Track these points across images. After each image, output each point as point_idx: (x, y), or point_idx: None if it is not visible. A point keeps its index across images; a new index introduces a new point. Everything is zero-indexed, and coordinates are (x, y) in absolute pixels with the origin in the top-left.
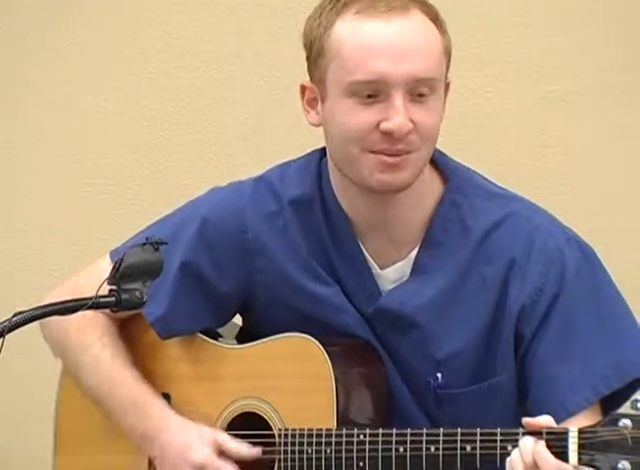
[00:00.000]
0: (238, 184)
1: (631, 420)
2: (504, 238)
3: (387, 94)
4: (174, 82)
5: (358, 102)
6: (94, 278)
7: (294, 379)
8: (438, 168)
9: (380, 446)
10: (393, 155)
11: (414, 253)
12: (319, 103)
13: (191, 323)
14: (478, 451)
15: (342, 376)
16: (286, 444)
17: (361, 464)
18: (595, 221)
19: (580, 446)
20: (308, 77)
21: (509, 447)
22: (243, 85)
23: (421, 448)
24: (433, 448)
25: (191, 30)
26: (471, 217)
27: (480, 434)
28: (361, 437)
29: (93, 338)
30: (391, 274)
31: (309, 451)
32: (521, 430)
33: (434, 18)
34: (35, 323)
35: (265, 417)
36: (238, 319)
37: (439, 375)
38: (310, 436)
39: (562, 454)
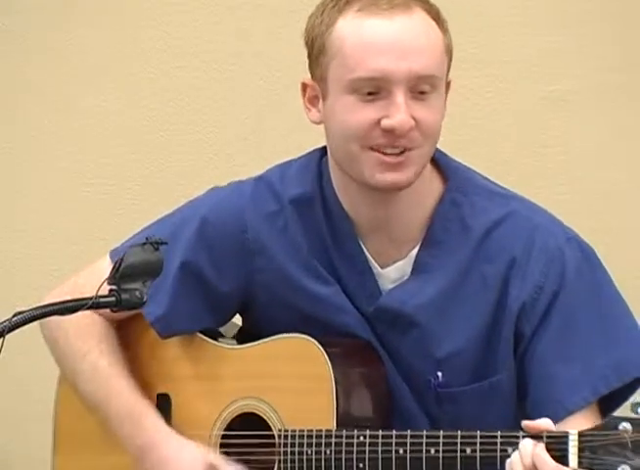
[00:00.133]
0: (238, 184)
1: (631, 424)
2: (504, 237)
3: (388, 91)
4: (174, 82)
5: (359, 99)
6: (94, 278)
7: (293, 380)
8: (439, 168)
9: (380, 448)
10: (394, 154)
11: (414, 252)
12: (320, 101)
13: (191, 323)
14: (478, 454)
15: (343, 377)
16: (285, 444)
17: (361, 465)
18: (595, 221)
19: (580, 450)
20: (309, 75)
21: (509, 450)
22: (243, 85)
23: (421, 450)
24: (433, 451)
25: (191, 30)
26: (471, 216)
27: (481, 436)
28: (361, 438)
29: (91, 344)
30: (392, 273)
31: (309, 452)
32: (521, 433)
33: (436, 16)
34: (35, 323)
35: (265, 418)
36: (237, 319)
37: (440, 374)
38: (310, 437)
39: (562, 458)
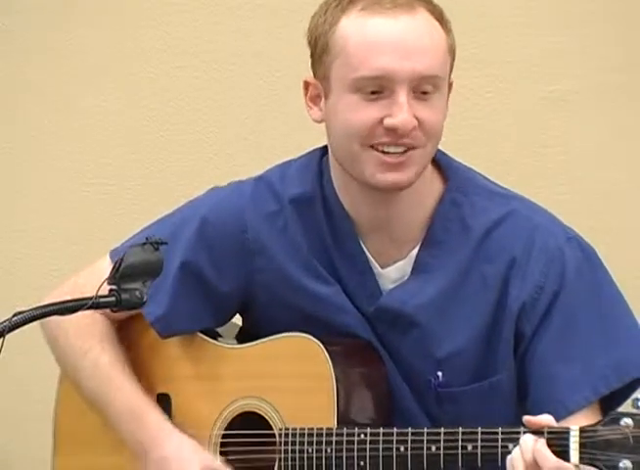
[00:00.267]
0: (238, 184)
1: (633, 419)
2: (504, 237)
3: (391, 90)
4: (174, 82)
5: (362, 98)
6: (94, 278)
7: (294, 379)
8: (440, 168)
9: (380, 446)
10: (396, 154)
11: (415, 252)
12: (322, 99)
13: (191, 323)
14: (479, 450)
15: (343, 376)
16: (286, 443)
17: (362, 463)
18: (595, 221)
19: (582, 445)
20: (312, 74)
21: (510, 446)
22: (243, 85)
23: (422, 448)
24: (434, 448)
25: (191, 30)
26: (471, 216)
27: (482, 433)
28: (362, 436)
29: (92, 342)
30: (392, 273)
31: (310, 451)
32: (522, 429)
33: (439, 16)
34: (35, 323)
35: (266, 417)
36: (238, 319)
37: (440, 374)
38: (311, 435)
39: (563, 453)
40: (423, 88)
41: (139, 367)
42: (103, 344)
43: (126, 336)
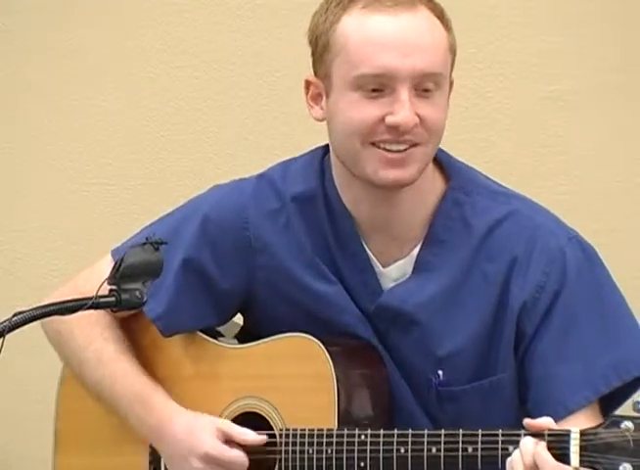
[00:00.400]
0: (239, 181)
1: (633, 422)
2: (506, 236)
3: (392, 88)
4: (174, 82)
5: (364, 96)
6: (94, 278)
7: (294, 379)
8: (441, 167)
9: (381, 447)
10: (398, 151)
11: (416, 250)
12: (324, 98)
13: (193, 320)
14: (479, 452)
15: (344, 376)
16: (287, 443)
17: (362, 464)
18: (595, 221)
19: (582, 448)
20: (313, 73)
21: (510, 449)
22: (243, 85)
23: (422, 449)
24: (434, 449)
25: (191, 30)
26: (473, 216)
27: (482, 435)
28: (362, 437)
29: (95, 333)
30: (393, 272)
31: (310, 451)
32: (522, 431)
33: (440, 15)
34: (35, 323)
35: (267, 417)
36: (239, 319)
37: (441, 373)
38: (311, 436)
39: (563, 456)
40: (424, 86)
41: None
42: (105, 333)
43: (126, 336)
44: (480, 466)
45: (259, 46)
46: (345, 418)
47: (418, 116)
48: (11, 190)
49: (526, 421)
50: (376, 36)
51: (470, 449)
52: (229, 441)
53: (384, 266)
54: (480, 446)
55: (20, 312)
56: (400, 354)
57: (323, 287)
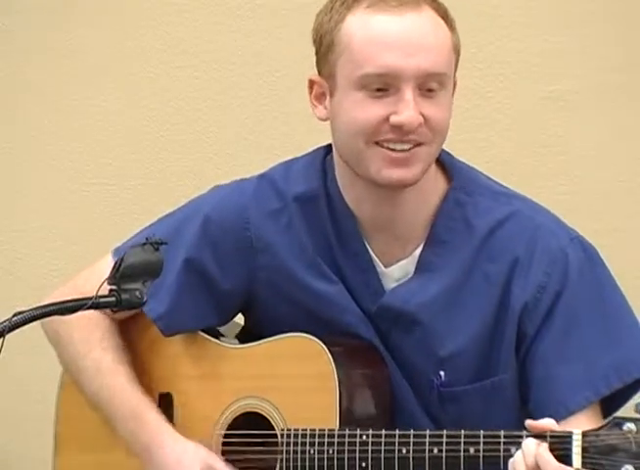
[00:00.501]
0: (240, 182)
1: (635, 424)
2: (508, 237)
3: (396, 88)
4: (174, 82)
5: (368, 95)
6: (94, 278)
7: (296, 379)
8: (444, 167)
9: (382, 448)
10: (402, 151)
11: (418, 251)
12: (327, 97)
13: (194, 320)
14: (481, 453)
15: (346, 377)
16: (288, 444)
17: (364, 465)
18: (595, 221)
19: (584, 450)
20: (316, 73)
21: (512, 450)
22: (243, 85)
23: (424, 450)
24: (436, 450)
25: (191, 30)
26: (475, 216)
27: (484, 436)
28: (364, 437)
29: (94, 341)
30: (395, 272)
31: (312, 452)
32: (524, 432)
33: (444, 14)
34: (35, 323)
35: (268, 417)
36: (240, 318)
37: (442, 373)
38: (313, 436)
39: (565, 457)
40: (428, 86)
41: (140, 367)
42: (104, 344)
43: (127, 335)
44: (481, 467)
45: (259, 46)
46: (347, 418)
47: (422, 115)
48: (11, 190)
49: (528, 422)
50: (380, 36)
51: (472, 450)
52: None
53: (386, 267)
54: (481, 446)
55: (20, 312)
56: (402, 355)
57: (324, 287)
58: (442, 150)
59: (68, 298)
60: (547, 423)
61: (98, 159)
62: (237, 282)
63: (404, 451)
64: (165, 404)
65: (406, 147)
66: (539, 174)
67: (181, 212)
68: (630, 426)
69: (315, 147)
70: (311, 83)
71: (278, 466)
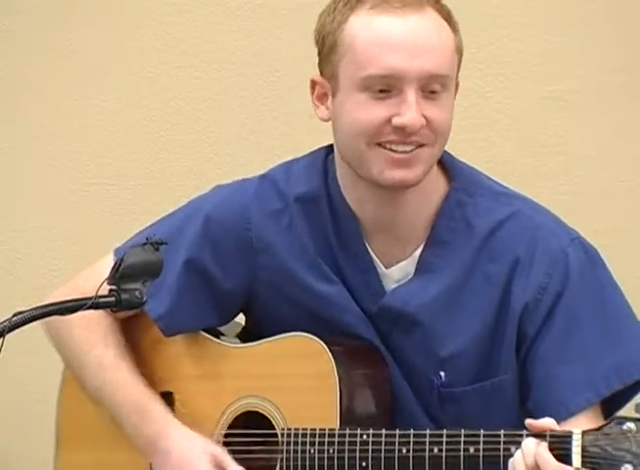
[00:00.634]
0: (242, 182)
1: (635, 424)
2: (508, 237)
3: (399, 89)
4: (174, 82)
5: (371, 97)
6: (94, 278)
7: (297, 378)
8: (444, 168)
9: (383, 447)
10: (404, 152)
11: (418, 251)
12: (329, 98)
13: (195, 320)
14: (481, 453)
15: (346, 376)
16: (289, 443)
17: (364, 464)
18: (595, 221)
19: (584, 449)
20: (318, 73)
21: (512, 449)
22: (243, 85)
23: (424, 449)
24: (436, 450)
25: (191, 30)
26: (475, 217)
27: (484, 435)
28: (364, 437)
29: (96, 338)
30: (396, 273)
31: (312, 451)
32: (524, 432)
33: (447, 16)
34: (35, 323)
35: (269, 416)
36: (240, 318)
37: (443, 374)
38: (313, 435)
39: (565, 457)
40: (431, 87)
41: (141, 366)
42: (107, 340)
43: (128, 335)
44: (481, 466)
45: (259, 46)
46: (347, 418)
47: (424, 117)
48: (11, 190)
49: (528, 421)
50: (383, 37)
51: (472, 450)
52: (220, 467)
53: (386, 267)
54: (481, 446)
55: (20, 312)
56: (402, 355)
57: (325, 287)
58: (444, 150)
59: (69, 298)
60: (547, 422)
61: (98, 159)
62: (238, 282)
63: (404, 451)
64: (166, 404)
65: (408, 148)
66: (539, 174)
67: (182, 212)
68: (630, 425)
69: (316, 147)
70: (313, 84)
71: (278, 465)
